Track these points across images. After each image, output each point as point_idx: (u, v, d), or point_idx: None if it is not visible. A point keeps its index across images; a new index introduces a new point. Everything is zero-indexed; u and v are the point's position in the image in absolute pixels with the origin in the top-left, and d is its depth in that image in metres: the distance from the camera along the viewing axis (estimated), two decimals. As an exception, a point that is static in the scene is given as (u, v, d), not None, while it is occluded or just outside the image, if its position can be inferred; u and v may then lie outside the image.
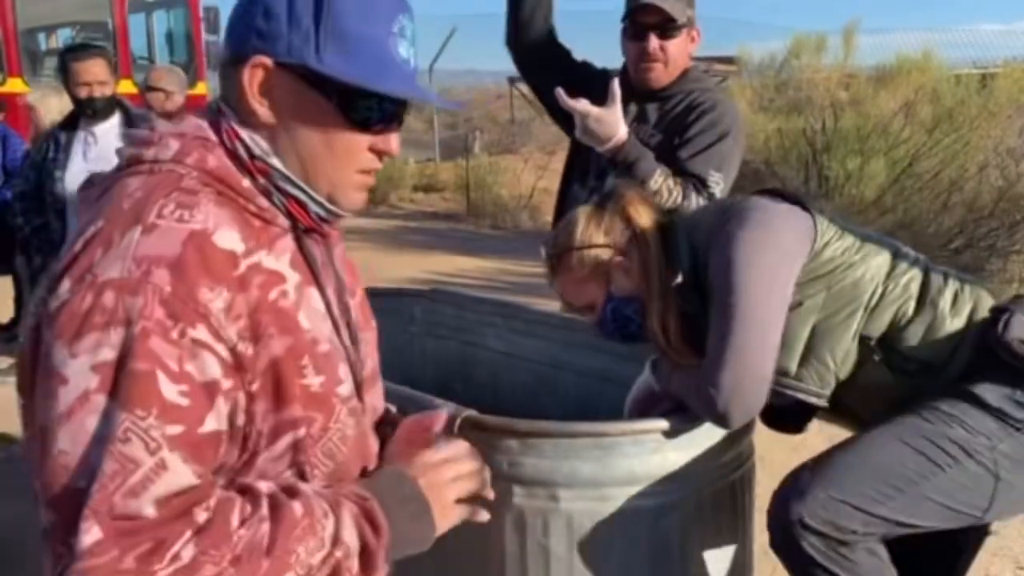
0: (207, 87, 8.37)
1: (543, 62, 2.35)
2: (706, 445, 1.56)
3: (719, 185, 2.15)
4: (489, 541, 1.51)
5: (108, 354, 0.78)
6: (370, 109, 0.91)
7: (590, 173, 2.32)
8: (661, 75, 2.20)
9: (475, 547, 1.52)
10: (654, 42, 2.15)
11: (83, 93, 3.17)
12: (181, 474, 0.79)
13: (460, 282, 6.95)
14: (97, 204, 0.89)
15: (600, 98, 2.06)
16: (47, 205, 3.24)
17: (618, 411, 1.77)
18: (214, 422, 0.83)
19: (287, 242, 0.94)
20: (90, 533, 0.76)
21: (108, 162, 3.53)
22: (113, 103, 3.27)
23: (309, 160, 0.92)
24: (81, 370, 0.77)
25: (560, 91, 2.05)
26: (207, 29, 8.34)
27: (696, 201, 2.11)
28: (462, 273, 7.60)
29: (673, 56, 2.18)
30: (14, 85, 7.12)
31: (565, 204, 2.44)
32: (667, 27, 2.14)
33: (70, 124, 3.31)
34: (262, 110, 0.90)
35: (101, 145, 3.24)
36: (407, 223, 10.87)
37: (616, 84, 2.07)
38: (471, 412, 1.49)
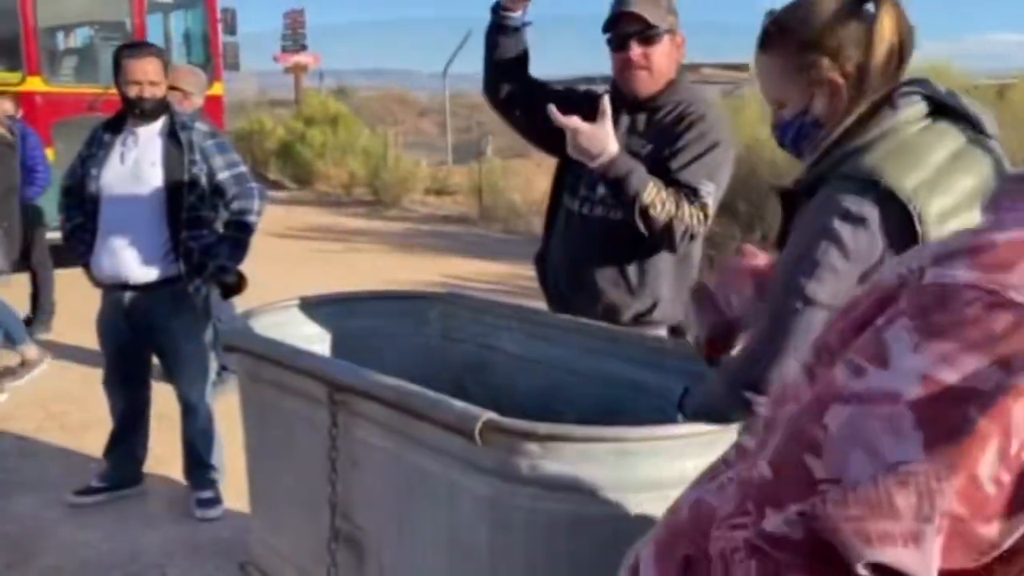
0: (223, 88, 8.42)
1: (523, 107, 2.39)
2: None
3: (711, 195, 2.17)
4: (512, 545, 1.51)
5: (951, 376, 0.61)
6: None
7: (580, 184, 2.34)
8: (647, 83, 2.22)
9: (496, 550, 1.53)
10: (636, 50, 2.17)
11: (133, 92, 3.08)
12: (921, 562, 0.62)
13: (473, 286, 6.96)
14: None
15: (589, 118, 2.08)
16: (85, 202, 3.19)
17: (635, 416, 1.77)
18: (995, 530, 0.63)
19: None
20: (789, 526, 0.65)
21: (145, 165, 3.48)
22: (162, 106, 3.16)
23: None
24: (910, 368, 0.62)
25: (552, 108, 2.08)
26: (224, 30, 8.39)
27: (689, 212, 2.12)
28: (475, 276, 7.61)
29: (657, 63, 2.20)
30: (33, 84, 7.17)
31: (556, 217, 2.47)
32: (648, 34, 2.16)
33: (116, 123, 3.23)
34: None
35: (141, 148, 3.16)
36: (419, 226, 10.89)
37: (606, 101, 2.09)
38: (492, 415, 1.49)
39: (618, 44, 2.20)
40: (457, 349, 2.66)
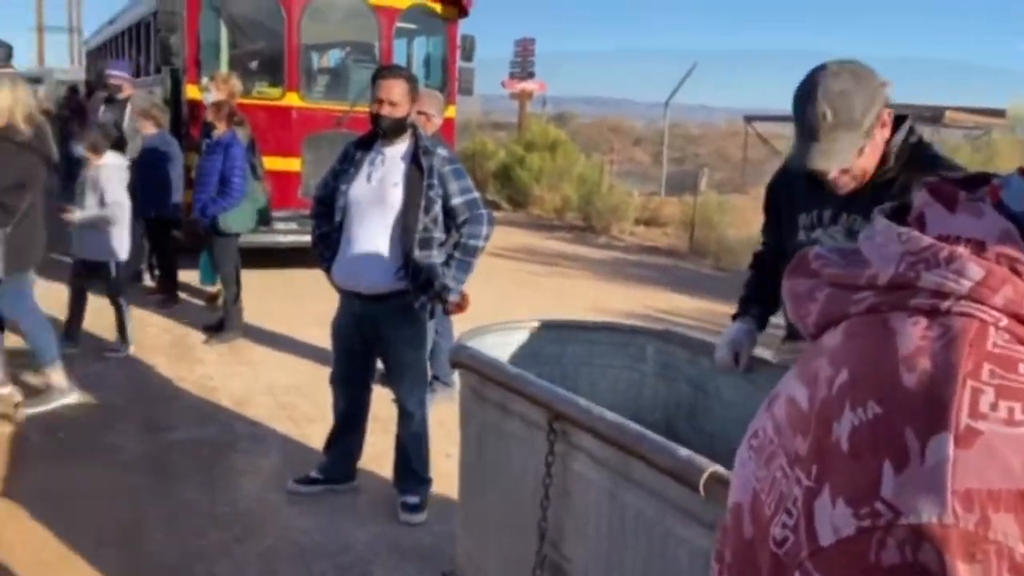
0: (455, 111, 8.85)
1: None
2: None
3: None
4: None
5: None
6: None
7: (822, 218, 2.24)
8: (852, 185, 2.09)
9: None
10: (834, 174, 2.04)
11: (374, 108, 3.32)
12: None
13: (680, 321, 6.85)
14: (846, 344, 0.63)
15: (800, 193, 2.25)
16: (334, 214, 3.43)
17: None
18: None
19: None
20: None
21: (389, 186, 3.67)
22: (402, 126, 3.36)
23: None
24: None
25: None
26: (462, 56, 8.82)
27: None
28: (677, 311, 7.49)
29: (861, 169, 2.06)
30: (291, 99, 7.87)
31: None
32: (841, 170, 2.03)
33: (367, 141, 3.46)
34: None
35: (386, 168, 3.37)
36: (627, 255, 10.87)
37: None
38: (718, 468, 1.46)
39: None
40: (671, 389, 2.62)
